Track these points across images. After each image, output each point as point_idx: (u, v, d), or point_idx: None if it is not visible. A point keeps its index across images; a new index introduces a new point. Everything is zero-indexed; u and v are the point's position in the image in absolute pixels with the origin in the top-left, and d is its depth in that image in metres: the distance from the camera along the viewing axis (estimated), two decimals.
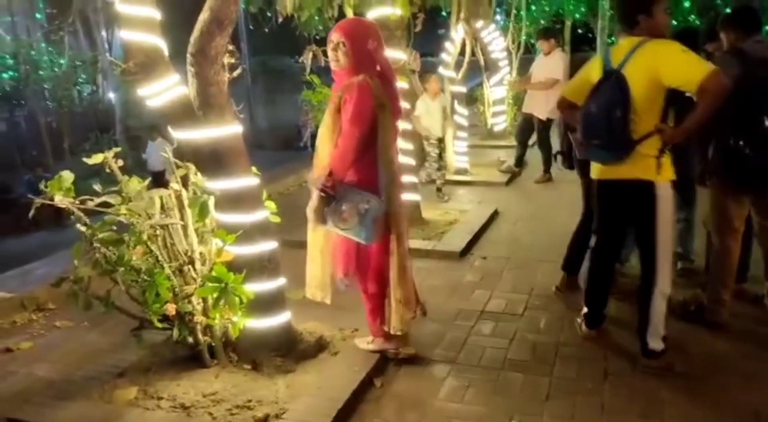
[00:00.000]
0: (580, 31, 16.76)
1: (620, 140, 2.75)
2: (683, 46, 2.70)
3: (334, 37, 2.77)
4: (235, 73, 2.82)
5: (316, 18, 6.30)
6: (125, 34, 2.60)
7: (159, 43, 2.64)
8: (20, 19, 12.89)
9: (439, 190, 6.36)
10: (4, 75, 12.35)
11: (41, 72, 12.61)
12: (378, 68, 2.79)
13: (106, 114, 15.54)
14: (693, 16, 13.96)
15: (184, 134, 2.72)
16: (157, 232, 2.72)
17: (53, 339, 3.60)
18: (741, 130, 3.08)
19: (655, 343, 2.94)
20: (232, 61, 2.77)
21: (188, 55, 2.60)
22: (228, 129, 2.74)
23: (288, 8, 5.04)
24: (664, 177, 2.81)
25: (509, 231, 5.31)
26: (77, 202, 2.64)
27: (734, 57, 3.13)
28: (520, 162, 7.51)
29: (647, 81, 2.70)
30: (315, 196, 2.75)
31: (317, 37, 6.58)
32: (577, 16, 14.34)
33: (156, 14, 2.63)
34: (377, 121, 2.73)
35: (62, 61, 12.90)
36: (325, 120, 2.85)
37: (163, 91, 2.65)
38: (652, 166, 2.77)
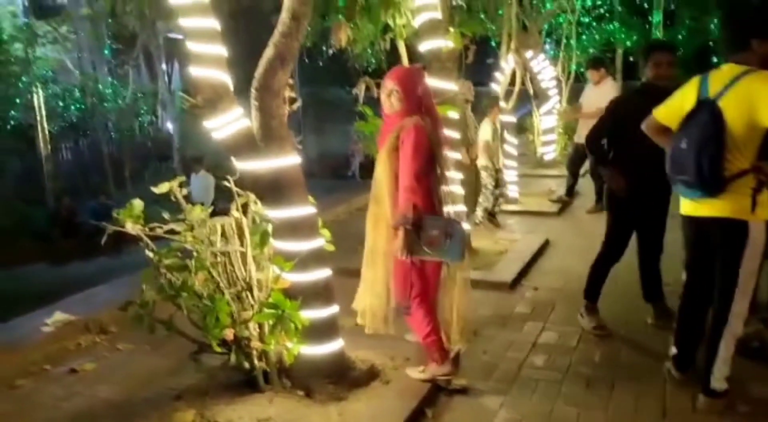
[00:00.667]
0: (632, 58, 16.59)
1: (710, 179, 2.59)
2: None
3: (389, 84, 3.03)
4: (295, 106, 2.93)
5: (369, 51, 6.46)
6: (194, 70, 2.75)
7: (225, 78, 2.78)
8: (87, 54, 13.67)
9: (493, 216, 6.31)
10: (72, 107, 13.05)
11: (106, 104, 13.28)
12: (424, 110, 3.04)
13: (165, 143, 16.22)
14: None
15: (246, 165, 2.83)
16: (219, 259, 2.82)
17: (115, 361, 3.74)
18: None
19: (719, 383, 2.82)
20: (292, 94, 2.88)
21: (252, 90, 2.73)
22: (288, 160, 2.84)
23: (342, 42, 5.19)
24: (758, 216, 2.64)
25: (560, 261, 5.24)
26: (146, 229, 2.76)
27: None
28: (571, 191, 7.43)
29: (745, 118, 2.53)
30: (400, 232, 2.87)
31: (369, 69, 6.74)
32: (629, 44, 14.20)
33: (223, 51, 2.77)
34: (433, 155, 2.99)
35: (126, 94, 13.56)
36: (382, 159, 3.05)
37: (228, 123, 2.78)
38: (747, 205, 2.60)
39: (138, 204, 2.79)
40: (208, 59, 2.76)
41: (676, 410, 2.88)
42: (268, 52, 2.69)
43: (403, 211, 2.88)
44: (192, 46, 2.75)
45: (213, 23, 2.75)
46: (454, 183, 5.17)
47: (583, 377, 3.23)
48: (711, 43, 13.84)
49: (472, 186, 6.59)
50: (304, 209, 2.93)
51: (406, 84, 3.03)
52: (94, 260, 11.29)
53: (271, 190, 2.86)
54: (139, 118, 14.61)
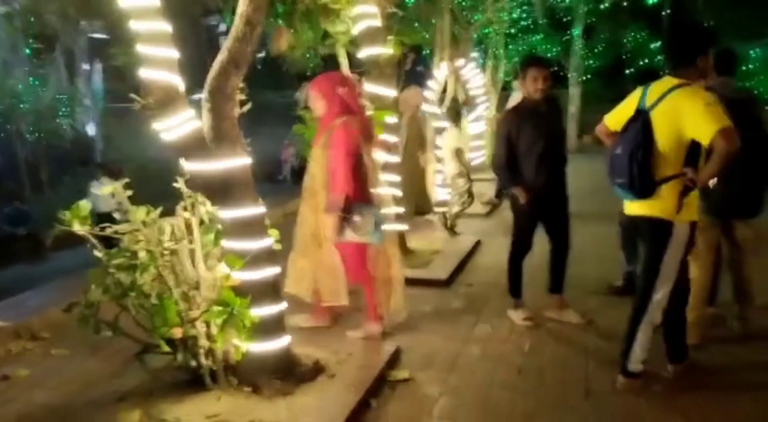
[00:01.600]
0: (555, 69, 17.45)
1: (640, 182, 2.86)
2: (711, 99, 2.76)
3: (311, 92, 3.66)
4: (245, 109, 3.01)
5: (307, 56, 6.56)
6: (145, 73, 2.78)
7: (176, 80, 2.82)
8: (4, 52, 12.96)
9: (453, 227, 6.46)
10: None
11: (22, 105, 12.64)
12: (351, 110, 3.60)
13: (85, 147, 15.56)
14: (659, 57, 14.67)
15: (196, 165, 2.88)
16: (167, 259, 2.85)
17: (50, 366, 3.65)
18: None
19: (635, 366, 3.12)
20: (243, 97, 2.96)
21: (205, 92, 2.79)
22: (238, 161, 2.91)
23: (283, 47, 5.26)
24: (682, 218, 2.90)
25: (492, 259, 5.52)
26: (96, 230, 2.76)
27: None
28: (500, 194, 7.77)
29: (671, 128, 2.80)
30: (332, 217, 3.48)
31: (307, 74, 6.82)
32: (550, 55, 14.95)
33: (174, 54, 2.81)
34: (361, 151, 3.60)
35: (44, 95, 12.96)
36: (316, 155, 3.67)
37: (179, 125, 2.82)
38: (672, 207, 2.87)
39: (85, 205, 2.78)
40: (159, 62, 2.79)
41: (599, 391, 3.15)
42: (222, 56, 2.76)
43: (335, 201, 3.47)
44: (143, 48, 2.78)
45: (164, 26, 2.79)
46: (390, 185, 5.39)
47: (515, 365, 3.47)
48: (624, 55, 14.81)
49: (410, 187, 6.81)
50: (254, 209, 3.00)
51: (324, 89, 3.62)
52: (10, 267, 10.73)
53: (222, 190, 2.92)
54: (58, 120, 13.95)
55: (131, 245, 2.76)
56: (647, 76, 4.31)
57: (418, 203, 6.83)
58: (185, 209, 2.98)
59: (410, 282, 4.82)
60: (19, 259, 10.90)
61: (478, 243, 5.97)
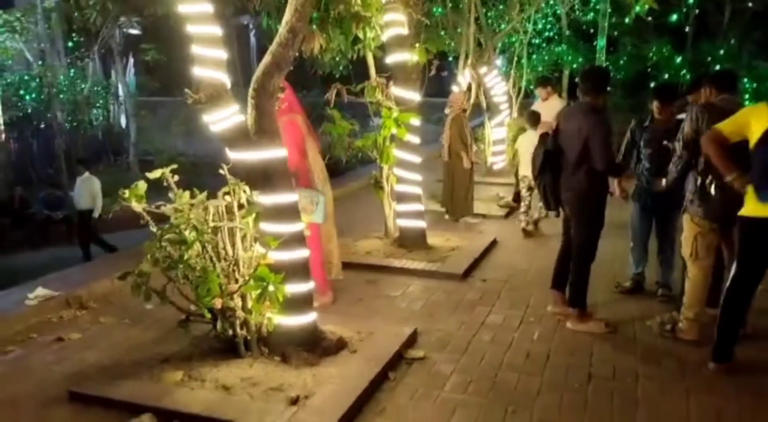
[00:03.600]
0: (577, 80, 17.58)
1: None
2: None
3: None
4: (284, 106, 3.34)
5: (336, 59, 6.88)
6: (197, 70, 3.12)
7: (224, 78, 3.17)
8: (46, 45, 13.55)
9: (536, 223, 6.76)
10: (27, 96, 12.91)
11: (62, 96, 13.20)
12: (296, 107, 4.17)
13: (118, 138, 16.11)
14: (684, 71, 14.77)
15: (240, 155, 3.22)
16: (210, 236, 3.19)
17: (98, 332, 4.02)
18: (709, 169, 3.61)
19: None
20: (282, 96, 3.29)
21: (250, 90, 3.13)
22: (277, 152, 3.24)
23: (315, 50, 5.60)
24: None
25: (507, 258, 5.79)
26: (151, 208, 3.10)
27: (704, 109, 3.69)
28: (517, 197, 8.02)
29: None
30: None
31: (336, 76, 7.15)
32: (575, 65, 15.12)
33: (223, 54, 3.16)
34: (305, 143, 4.21)
35: (84, 86, 13.50)
36: None
37: (225, 118, 3.16)
38: None
39: (142, 185, 3.13)
40: (210, 61, 3.13)
41: (601, 376, 3.41)
42: (266, 59, 3.10)
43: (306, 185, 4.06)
44: (196, 49, 3.12)
45: (215, 30, 3.13)
46: (410, 183, 5.70)
47: (524, 350, 3.74)
48: (649, 68, 14.92)
49: (450, 187, 7.14)
50: (289, 196, 3.33)
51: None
52: (45, 250, 11.24)
53: (262, 177, 3.25)
54: (94, 111, 14.52)
55: (179, 222, 3.09)
56: (664, 91, 4.61)
57: (465, 204, 7.15)
58: (227, 194, 3.32)
59: (428, 274, 5.17)
60: (54, 242, 11.43)
61: (494, 243, 6.23)
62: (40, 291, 4.35)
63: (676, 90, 4.63)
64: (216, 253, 3.22)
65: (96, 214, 9.24)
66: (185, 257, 3.11)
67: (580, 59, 14.91)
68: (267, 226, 3.31)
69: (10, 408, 3.06)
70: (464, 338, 3.92)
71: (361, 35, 5.82)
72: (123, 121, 17.17)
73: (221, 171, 3.23)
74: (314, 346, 3.49)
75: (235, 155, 3.26)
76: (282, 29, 3.07)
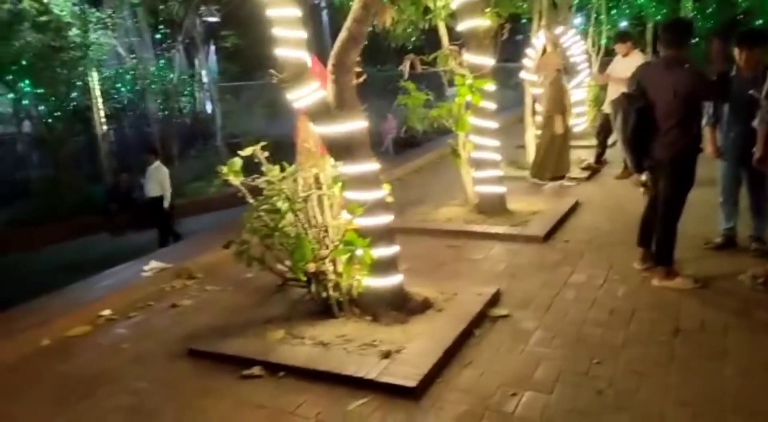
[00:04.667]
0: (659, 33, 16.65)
1: None
2: None
3: None
4: (361, 79, 3.51)
5: (408, 31, 6.97)
6: (280, 51, 3.34)
7: (305, 56, 3.37)
8: (135, 39, 14.45)
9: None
10: (123, 89, 13.86)
11: (153, 86, 14.06)
12: None
13: (204, 123, 16.96)
14: None
15: (323, 128, 3.43)
16: (301, 205, 3.44)
17: (207, 299, 4.42)
18: None
19: None
20: (360, 70, 3.46)
21: (329, 65, 3.32)
22: (357, 124, 3.43)
23: (387, 22, 5.71)
24: None
25: (590, 220, 5.76)
26: (248, 181, 3.39)
27: None
28: (599, 159, 7.88)
29: None
30: None
31: (408, 48, 7.22)
32: (659, 17, 14.34)
33: (303, 34, 3.36)
34: None
35: (172, 76, 14.30)
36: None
37: (308, 95, 3.37)
38: None
39: (238, 161, 3.41)
40: (291, 41, 3.34)
41: (687, 330, 3.42)
42: (343, 35, 3.27)
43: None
44: (278, 31, 3.34)
45: (295, 11, 3.33)
46: (487, 149, 5.75)
47: (607, 307, 3.79)
48: (741, 15, 13.93)
49: (547, 150, 7.18)
50: (371, 165, 3.52)
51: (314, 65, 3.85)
52: (148, 231, 12.17)
53: (344, 149, 3.45)
54: (182, 99, 15.34)
55: (273, 193, 3.36)
56: (747, 35, 4.38)
57: (555, 167, 7.16)
58: (313, 165, 3.55)
59: (509, 238, 5.26)
60: (155, 225, 12.33)
61: (576, 205, 6.19)
62: (154, 264, 4.82)
63: (763, 35, 4.39)
64: (307, 221, 3.48)
65: (166, 204, 9.60)
66: (280, 225, 3.38)
67: (664, 10, 14.14)
68: (351, 194, 3.52)
69: (140, 362, 3.48)
70: (547, 296, 4.01)
71: (431, 5, 5.88)
72: (209, 107, 18.06)
73: (305, 144, 3.46)
74: (402, 306, 3.70)
75: (318, 129, 3.47)
76: (356, 5, 3.22)
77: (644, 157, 4.06)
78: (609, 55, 12.10)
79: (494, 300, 3.94)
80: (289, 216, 3.44)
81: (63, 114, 11.96)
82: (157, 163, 9.61)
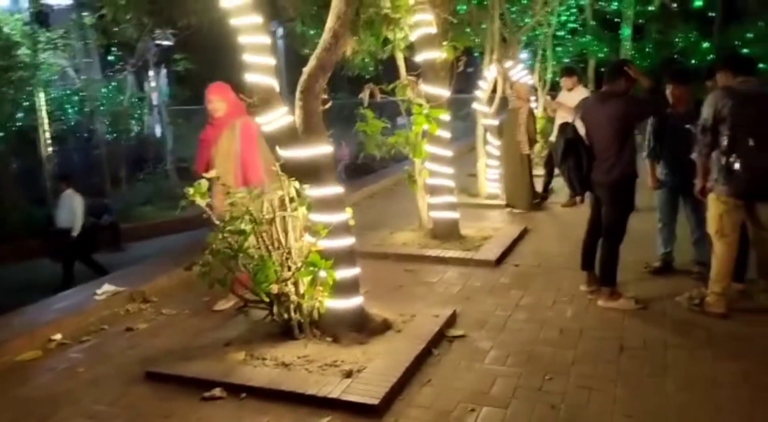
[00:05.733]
0: (602, 69, 17.57)
1: None
2: None
3: (213, 97, 4.42)
4: (326, 106, 3.64)
5: (365, 60, 7.18)
6: (249, 76, 3.44)
7: (273, 82, 3.48)
8: (87, 59, 14.20)
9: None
10: (70, 110, 13.54)
11: (102, 108, 13.80)
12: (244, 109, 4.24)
13: (153, 147, 16.68)
14: (711, 56, 14.69)
15: (289, 152, 3.52)
16: (266, 227, 3.50)
17: (163, 322, 4.37)
18: (732, 149, 3.79)
19: None
20: (326, 97, 3.59)
21: (297, 93, 3.43)
22: (323, 149, 3.54)
23: (348, 52, 5.89)
24: None
25: (538, 245, 6.01)
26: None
27: (724, 93, 3.88)
28: (546, 188, 8.22)
29: None
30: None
31: (365, 77, 7.42)
32: (600, 55, 15.17)
33: (272, 61, 3.47)
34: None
35: (122, 98, 14.08)
36: (224, 148, 4.39)
37: (276, 119, 3.47)
38: None
39: (204, 183, 3.46)
40: (261, 67, 3.45)
41: (632, 347, 3.63)
42: (312, 63, 3.40)
43: (260, 179, 4.17)
44: (248, 57, 3.44)
45: (265, 39, 3.45)
46: (442, 176, 5.95)
47: (557, 327, 3.97)
48: (675, 55, 14.89)
49: (519, 177, 7.50)
50: (335, 188, 3.63)
51: (225, 94, 4.42)
52: (94, 256, 11.80)
53: (310, 172, 3.55)
54: (132, 122, 15.10)
55: (238, 215, 3.41)
56: (677, 73, 4.78)
57: (516, 195, 7.48)
58: (278, 188, 3.62)
59: (462, 262, 5.43)
60: (100, 248, 11.97)
61: (525, 231, 6.44)
62: (107, 287, 4.73)
63: (690, 73, 4.80)
64: (272, 243, 3.54)
65: (74, 234, 9.13)
66: (244, 246, 3.43)
67: (606, 49, 14.96)
68: (315, 216, 3.61)
69: (97, 386, 3.42)
70: (501, 318, 4.17)
71: (390, 36, 6.10)
72: (158, 131, 17.78)
73: (273, 168, 3.54)
74: (362, 327, 3.78)
75: (285, 153, 3.56)
76: (325, 35, 3.36)
77: (580, 182, 4.39)
78: (554, 89, 12.75)
79: (451, 321, 4.07)
80: (252, 239, 3.49)
81: (7, 134, 11.58)
82: (70, 191, 9.22)
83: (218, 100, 4.43)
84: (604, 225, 4.35)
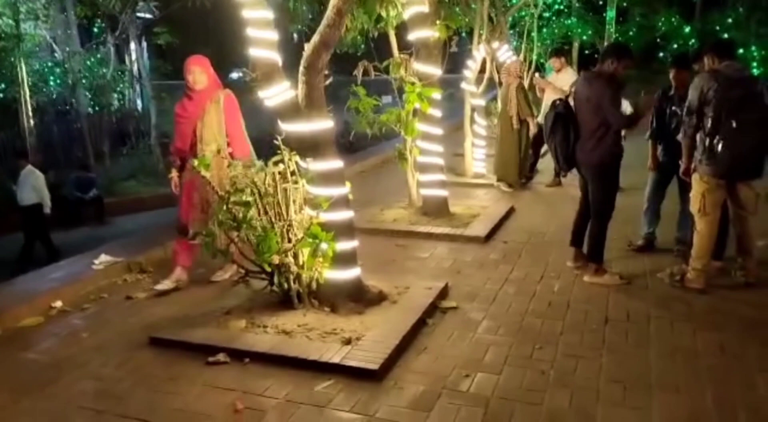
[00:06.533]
0: (587, 52, 17.74)
1: None
2: None
3: (195, 68, 4.33)
4: (328, 82, 3.71)
5: (358, 38, 7.20)
6: (252, 52, 3.50)
7: (276, 57, 3.54)
8: (71, 31, 13.94)
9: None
10: (53, 82, 13.34)
11: (84, 81, 13.61)
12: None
13: (136, 120, 16.51)
14: (693, 41, 14.93)
15: (292, 127, 3.60)
16: (269, 199, 3.59)
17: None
18: (716, 130, 3.96)
19: None
20: (327, 73, 3.66)
21: (301, 68, 3.50)
22: (324, 123, 3.62)
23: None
24: None
25: (525, 223, 6.17)
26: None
27: (710, 76, 4.03)
28: (532, 168, 8.38)
29: None
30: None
31: (358, 54, 7.45)
32: (584, 38, 15.32)
33: (274, 36, 3.52)
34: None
35: (105, 71, 13.90)
36: (213, 121, 4.29)
37: (278, 94, 3.53)
38: None
39: (208, 155, 3.53)
40: (264, 42, 3.50)
41: (616, 319, 3.81)
42: (315, 39, 3.46)
43: (247, 152, 4.30)
44: (251, 32, 3.49)
45: (267, 14, 3.50)
46: (432, 154, 6.06)
47: (546, 300, 4.15)
48: (658, 39, 15.11)
49: (516, 154, 7.70)
50: (336, 162, 3.72)
51: (206, 66, 4.36)
52: (77, 230, 11.73)
53: (311, 146, 3.63)
54: (114, 95, 14.93)
55: (244, 186, 3.49)
56: (680, 58, 4.93)
57: (505, 171, 7.68)
58: (280, 161, 3.71)
59: (452, 238, 5.57)
60: (85, 222, 11.91)
61: (512, 210, 6.61)
62: (105, 258, 4.79)
63: (690, 58, 4.95)
64: (275, 214, 3.63)
65: (47, 210, 9.04)
66: (248, 218, 3.51)
67: (590, 31, 15.11)
68: (316, 190, 3.71)
69: (101, 351, 3.51)
70: (491, 291, 4.33)
71: (383, 14, 6.15)
72: (139, 105, 17.57)
73: (275, 141, 3.62)
74: (359, 298, 3.90)
75: (286, 127, 3.64)
76: (329, 11, 3.42)
77: (564, 158, 4.48)
78: (538, 70, 12.89)
79: (443, 293, 4.21)
80: (253, 210, 3.57)
81: None
82: (29, 167, 9.00)
83: (200, 72, 4.33)
84: (591, 204, 4.51)
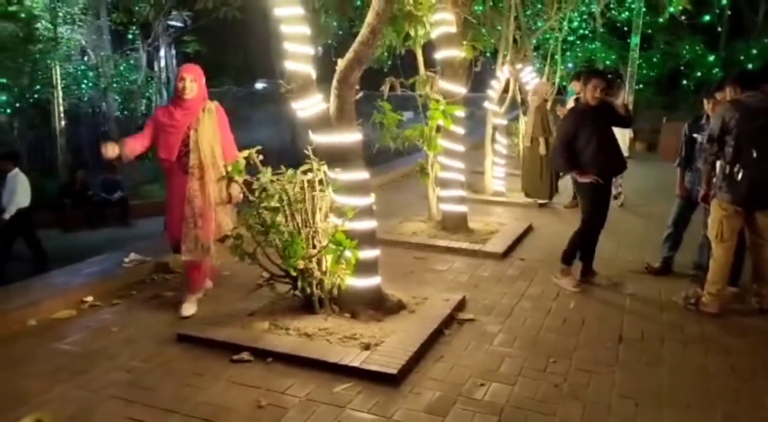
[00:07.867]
0: (609, 76, 17.80)
1: None
2: None
3: (189, 76, 4.12)
4: (359, 96, 3.86)
5: (385, 54, 7.38)
6: (289, 65, 3.67)
7: (311, 71, 3.70)
8: (105, 36, 14.37)
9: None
10: (84, 86, 13.73)
11: (115, 85, 14.00)
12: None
13: None
14: (716, 70, 14.95)
15: (322, 138, 3.76)
16: (298, 206, 3.74)
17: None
18: (736, 159, 4.04)
19: None
20: (357, 87, 3.82)
21: (334, 82, 3.66)
22: (354, 136, 3.78)
23: None
24: None
25: (542, 241, 6.26)
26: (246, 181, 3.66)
27: (731, 106, 4.12)
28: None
29: None
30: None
31: (384, 70, 7.63)
32: (608, 62, 15.40)
33: (311, 50, 3.69)
34: None
35: (136, 76, 14.29)
36: (208, 131, 4.13)
37: (311, 106, 3.70)
38: None
39: (242, 161, 3.68)
40: (300, 56, 3.67)
41: (630, 338, 3.88)
42: (349, 55, 3.63)
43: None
44: (288, 46, 3.66)
45: (305, 29, 3.67)
46: (453, 170, 6.18)
47: (561, 316, 4.23)
48: (682, 66, 15.14)
49: (530, 171, 7.88)
50: (362, 174, 3.86)
51: (199, 75, 4.20)
52: (102, 230, 12.02)
53: (340, 157, 3.78)
54: (144, 100, 15.31)
55: (275, 193, 3.64)
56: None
57: (536, 187, 7.85)
58: (309, 170, 3.86)
59: (470, 253, 5.67)
60: (109, 223, 12.21)
61: (530, 228, 6.70)
62: (134, 256, 4.96)
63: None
64: (302, 221, 3.77)
65: (7, 216, 8.53)
66: (276, 223, 3.66)
67: (614, 56, 15.19)
68: (343, 199, 3.85)
69: (130, 344, 3.66)
70: (507, 305, 4.42)
71: (412, 32, 6.31)
72: None
73: (305, 151, 3.77)
74: (379, 306, 4.02)
75: (317, 137, 3.80)
76: (364, 29, 3.58)
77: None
78: (560, 93, 13.00)
79: (461, 305, 4.32)
80: (280, 216, 3.72)
81: (23, 106, 11.78)
82: (16, 170, 8.64)
83: (192, 80, 4.11)
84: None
